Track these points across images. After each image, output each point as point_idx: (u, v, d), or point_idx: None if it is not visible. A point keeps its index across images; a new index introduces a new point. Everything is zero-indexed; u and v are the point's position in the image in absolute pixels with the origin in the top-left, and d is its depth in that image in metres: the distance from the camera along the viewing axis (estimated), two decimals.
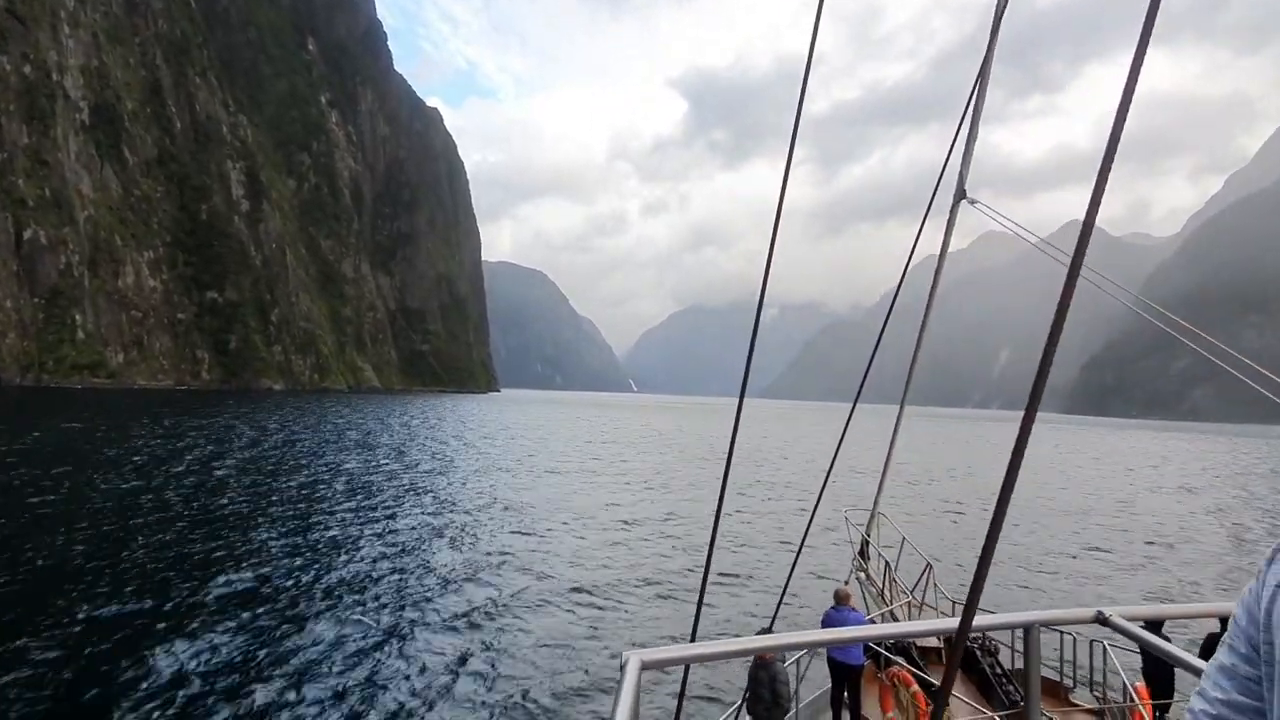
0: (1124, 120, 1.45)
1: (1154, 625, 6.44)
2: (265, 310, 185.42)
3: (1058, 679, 7.12)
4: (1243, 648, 0.82)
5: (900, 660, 7.04)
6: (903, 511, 25.11)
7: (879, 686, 7.03)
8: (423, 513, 21.96)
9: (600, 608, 13.23)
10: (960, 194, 6.47)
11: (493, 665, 10.24)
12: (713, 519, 3.51)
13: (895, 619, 7.95)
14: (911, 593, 9.03)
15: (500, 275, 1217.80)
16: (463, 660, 10.38)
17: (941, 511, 27.11)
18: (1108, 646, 6.31)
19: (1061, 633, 7.09)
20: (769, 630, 6.38)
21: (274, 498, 23.03)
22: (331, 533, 18.35)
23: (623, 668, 1.57)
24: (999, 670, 6.87)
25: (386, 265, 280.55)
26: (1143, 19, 1.40)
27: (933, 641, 7.73)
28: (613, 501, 26.17)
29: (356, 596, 13.14)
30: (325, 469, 31.00)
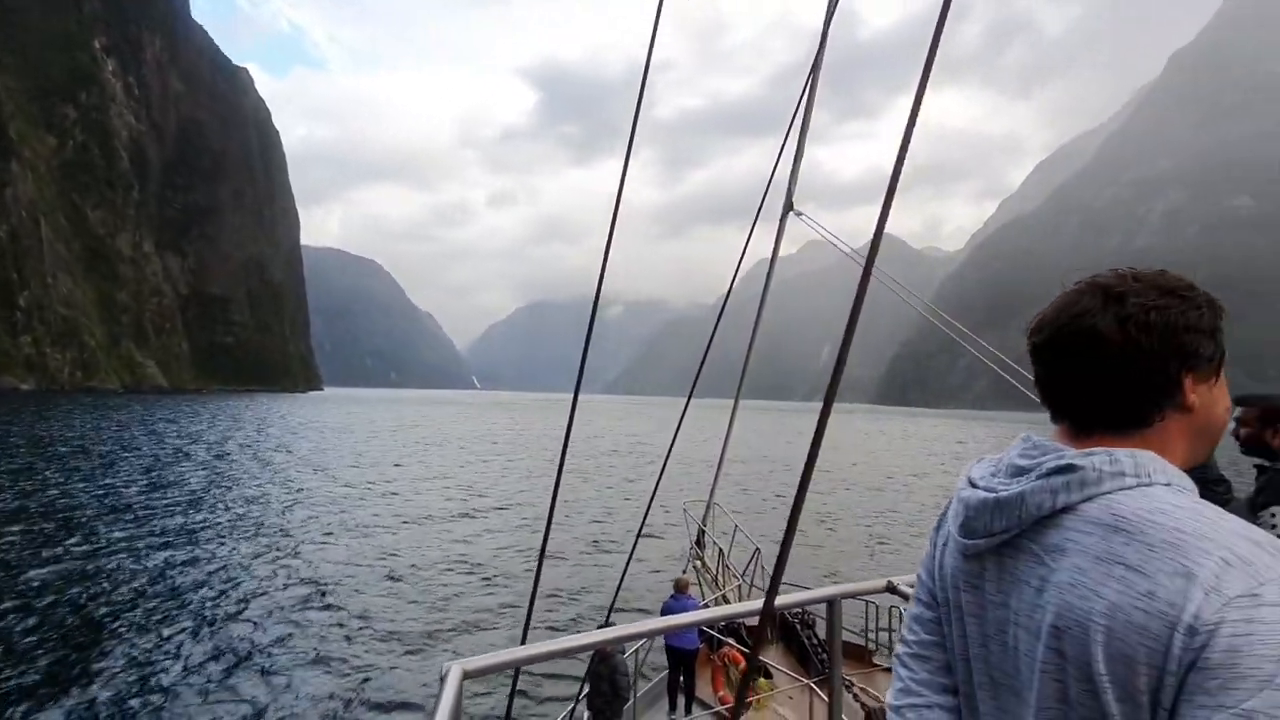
0: (905, 152, 1.62)
1: None
2: (11, 293, 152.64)
3: (863, 644, 8.06)
4: (925, 597, 1.02)
5: (730, 641, 7.54)
6: (738, 500, 26.88)
7: (711, 668, 7.46)
8: (196, 536, 19.39)
9: (425, 619, 12.58)
10: (788, 205, 7.02)
11: (306, 689, 9.35)
12: (546, 517, 3.47)
13: (728, 602, 8.49)
14: (742, 576, 9.70)
15: (327, 263, 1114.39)
16: (275, 692, 9.35)
17: (772, 497, 29.44)
18: (902, 611, 7.27)
19: (868, 603, 8.04)
20: (607, 624, 6.49)
21: None
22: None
23: (442, 679, 1.47)
24: (815, 641, 7.64)
25: (178, 244, 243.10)
26: (932, 61, 1.57)
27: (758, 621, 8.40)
28: (439, 506, 24.89)
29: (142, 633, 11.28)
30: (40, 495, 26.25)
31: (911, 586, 2.33)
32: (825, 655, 7.34)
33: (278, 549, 17.44)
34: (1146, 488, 0.80)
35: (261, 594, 13.76)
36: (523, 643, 2.51)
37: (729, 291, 6.12)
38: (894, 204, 1.70)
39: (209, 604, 13.05)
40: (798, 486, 1.76)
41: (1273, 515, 2.97)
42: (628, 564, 4.77)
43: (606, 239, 3.10)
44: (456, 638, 11.76)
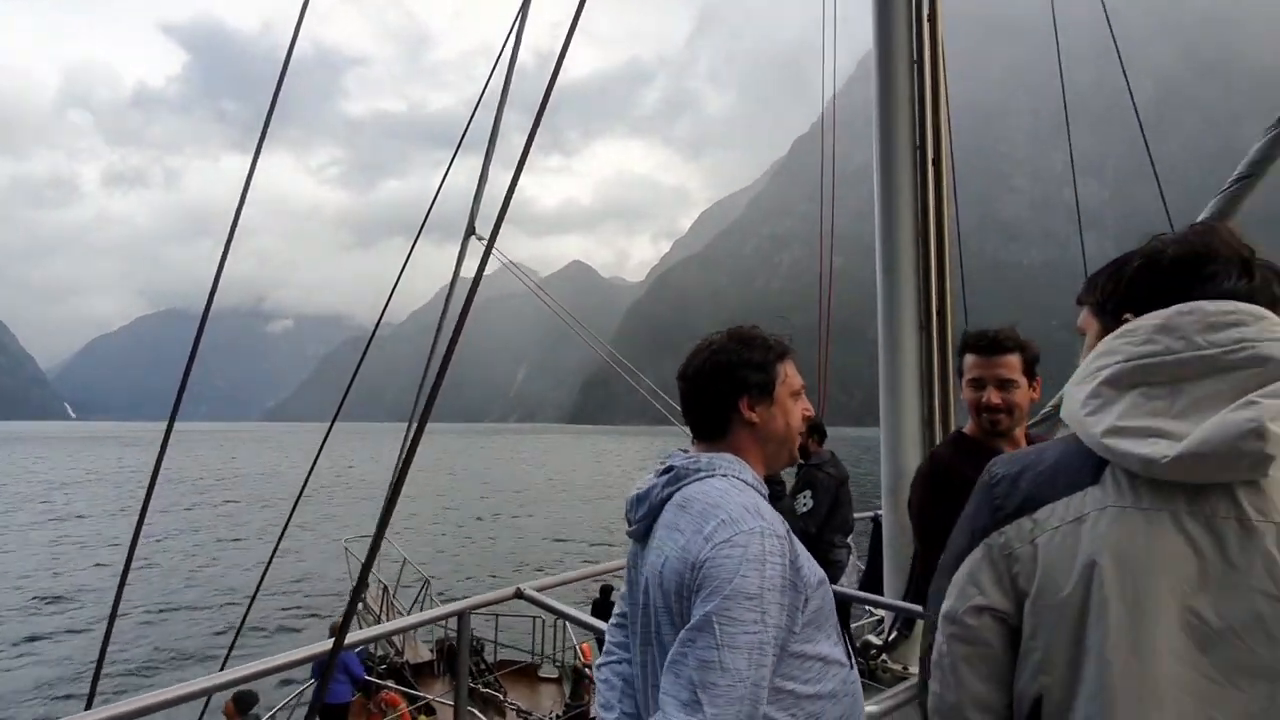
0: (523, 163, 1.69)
1: (605, 593, 8.36)
2: None
3: (529, 660, 8.36)
4: (628, 575, 1.31)
5: (390, 684, 7.17)
6: (416, 530, 25.66)
7: (367, 717, 6.95)
8: None
9: None
10: (470, 230, 7.00)
11: None
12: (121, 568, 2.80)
13: (394, 645, 8.07)
14: (409, 612, 9.24)
15: None
16: None
17: (454, 524, 28.78)
18: (540, 620, 7.84)
19: (536, 617, 8.36)
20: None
21: None
22: None
23: None
24: (483, 665, 7.66)
25: None
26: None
27: (426, 655, 8.12)
28: None
29: None
30: None
31: (541, 591, 2.51)
32: (492, 676, 7.43)
33: None
34: (709, 478, 1.18)
35: None
36: (88, 708, 1.90)
37: (379, 310, 5.80)
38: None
39: None
40: (382, 510, 1.88)
41: (804, 497, 4.10)
42: (248, 610, 4.04)
43: (228, 235, 2.66)
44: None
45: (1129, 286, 1.00)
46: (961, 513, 1.07)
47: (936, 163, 2.78)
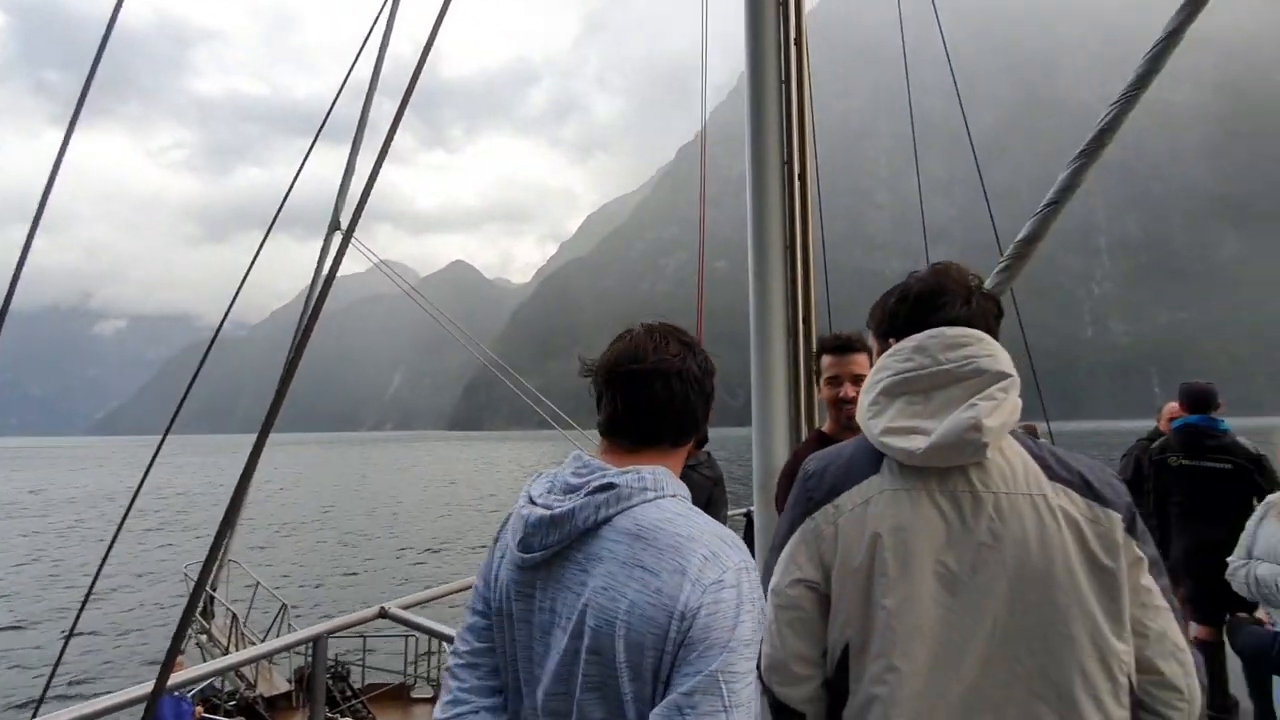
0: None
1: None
2: None
3: (402, 681, 8.07)
4: (480, 606, 1.16)
5: None
6: (276, 550, 23.86)
7: None
8: None
9: None
10: (334, 225, 6.59)
11: None
12: None
13: (245, 678, 7.50)
14: (265, 640, 8.64)
15: None
16: None
17: (320, 542, 26.99)
18: (407, 639, 7.67)
19: (409, 635, 8.08)
20: None
21: None
22: None
23: None
24: (349, 693, 7.30)
25: None
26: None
27: (283, 686, 7.67)
28: None
29: None
30: None
31: (408, 609, 2.43)
32: (358, 701, 7.11)
33: None
34: (661, 500, 1.04)
35: None
36: None
37: (224, 304, 5.40)
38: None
39: None
40: (221, 522, 1.70)
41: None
42: (65, 646, 3.57)
43: (33, 221, 2.32)
44: None
45: (889, 316, 1.30)
46: None
47: (803, 177, 2.99)
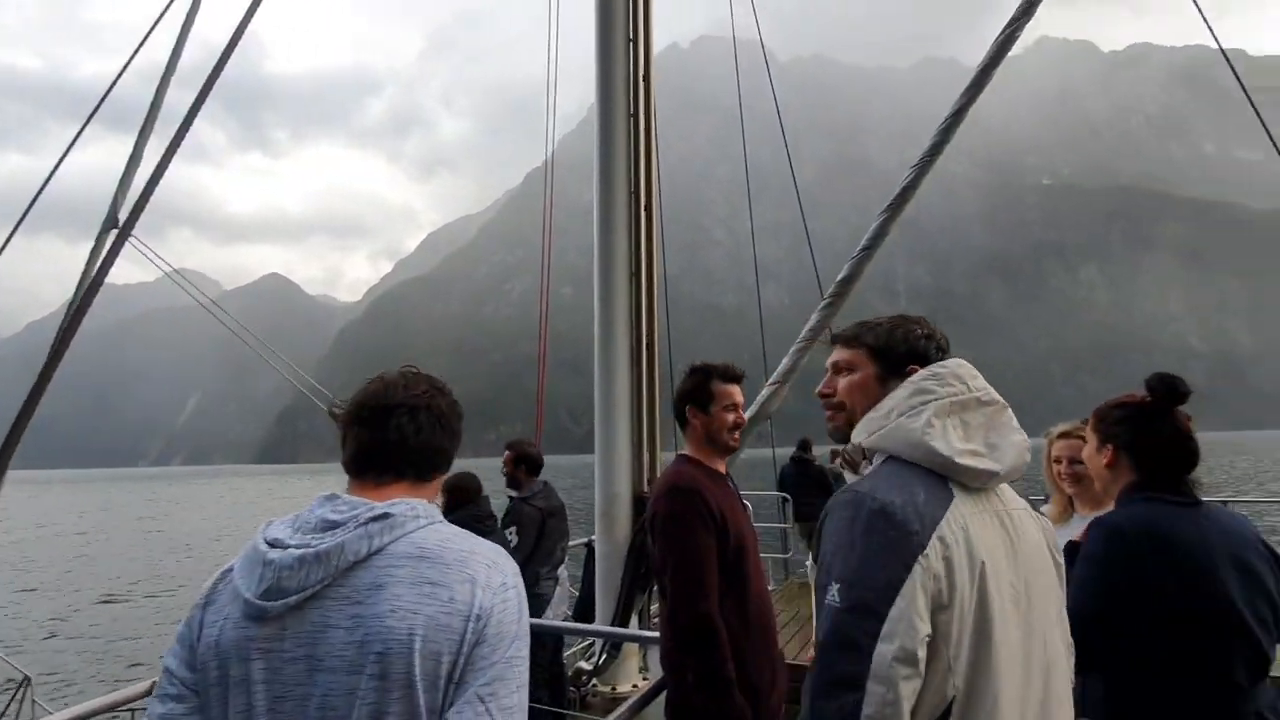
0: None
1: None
2: None
3: None
4: (175, 690, 1.05)
5: None
6: (23, 607, 19.92)
7: None
8: None
9: None
10: (111, 221, 5.70)
11: None
12: None
13: None
14: None
15: None
16: None
17: (82, 601, 22.88)
18: None
19: (133, 711, 7.02)
20: None
21: None
22: None
23: None
24: None
25: None
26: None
27: None
28: None
29: None
30: None
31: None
32: None
33: None
34: (434, 525, 1.10)
35: None
36: None
37: None
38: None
39: None
40: None
41: (509, 533, 4.20)
42: None
43: None
44: None
45: (914, 346, 1.33)
46: (844, 543, 1.13)
47: (649, 208, 3.11)
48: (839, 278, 2.72)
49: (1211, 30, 3.38)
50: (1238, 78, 3.48)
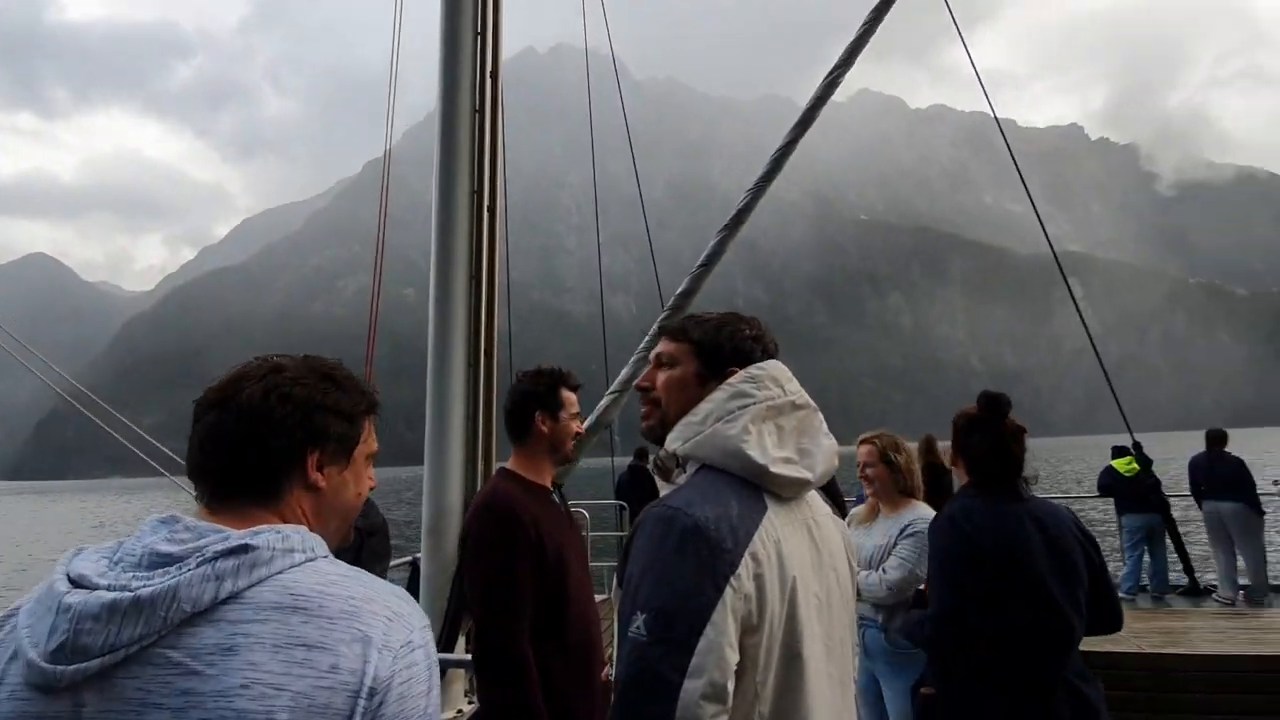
0: None
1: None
2: None
3: None
4: None
5: None
6: None
7: None
8: None
9: None
10: None
11: None
12: None
13: None
14: None
15: None
16: None
17: None
18: None
19: None
20: None
21: None
22: None
23: None
24: None
25: None
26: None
27: None
28: None
29: None
30: None
31: None
32: None
33: None
34: (313, 562, 0.80)
35: None
36: None
37: None
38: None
39: None
40: None
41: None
42: None
43: None
44: None
45: (739, 347, 1.26)
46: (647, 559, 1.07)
47: (492, 209, 3.01)
48: (678, 291, 2.82)
49: (990, 102, 4.08)
50: (1007, 143, 4.27)
